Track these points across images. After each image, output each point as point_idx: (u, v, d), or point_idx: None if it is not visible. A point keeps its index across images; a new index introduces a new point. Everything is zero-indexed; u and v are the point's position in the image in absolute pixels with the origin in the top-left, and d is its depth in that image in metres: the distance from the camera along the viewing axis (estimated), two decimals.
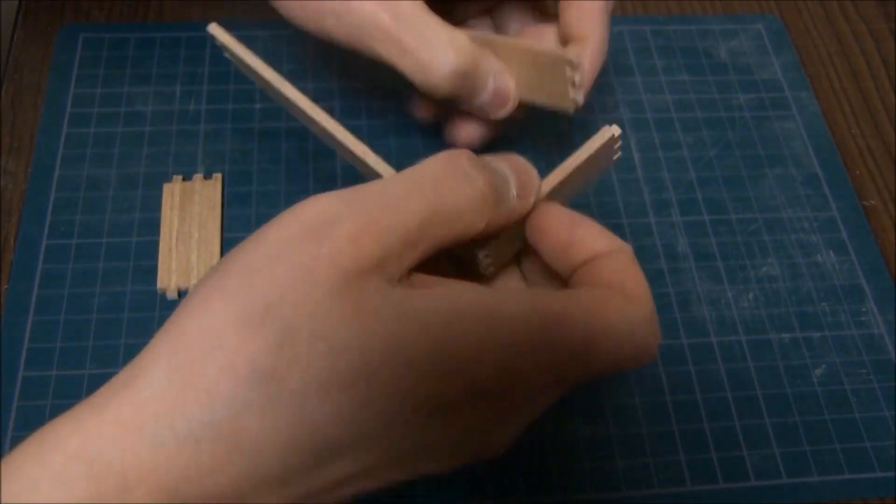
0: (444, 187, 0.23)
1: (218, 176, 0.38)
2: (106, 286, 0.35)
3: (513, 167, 0.25)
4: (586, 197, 0.39)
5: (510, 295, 0.24)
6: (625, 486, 0.32)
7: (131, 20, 0.44)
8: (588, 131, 0.42)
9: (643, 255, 0.38)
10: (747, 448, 0.34)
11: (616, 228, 0.38)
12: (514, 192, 0.25)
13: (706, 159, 0.41)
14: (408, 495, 0.31)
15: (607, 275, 0.25)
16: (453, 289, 0.23)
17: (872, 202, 0.41)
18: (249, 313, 0.20)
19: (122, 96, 0.41)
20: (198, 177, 0.38)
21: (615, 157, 0.29)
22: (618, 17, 0.46)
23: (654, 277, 0.37)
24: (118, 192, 0.38)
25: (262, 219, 0.37)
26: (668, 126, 0.42)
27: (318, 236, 0.21)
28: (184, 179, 0.38)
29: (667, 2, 0.47)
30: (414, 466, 0.23)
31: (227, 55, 0.32)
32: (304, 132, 0.40)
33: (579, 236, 0.25)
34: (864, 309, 0.37)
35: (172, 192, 0.37)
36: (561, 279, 0.26)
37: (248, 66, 0.31)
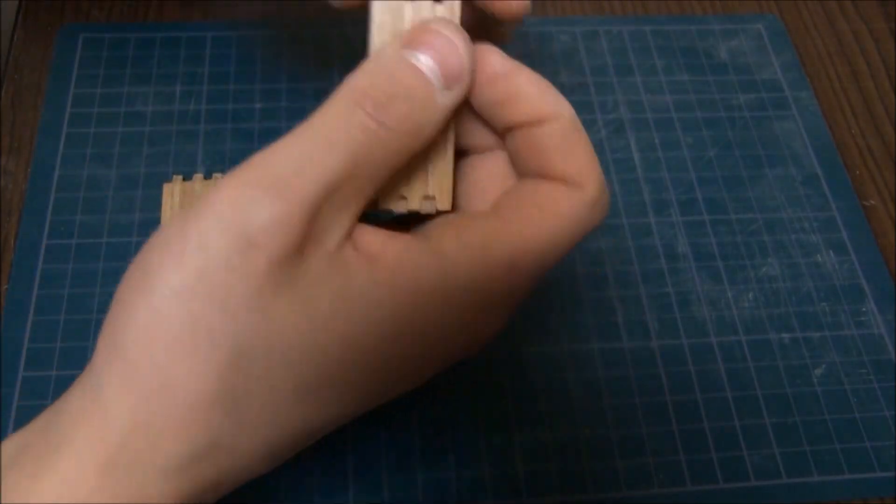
0: (355, 142, 0.20)
1: (218, 176, 0.38)
2: (106, 286, 0.35)
3: (436, 53, 0.21)
4: None
5: (456, 254, 0.21)
6: (625, 486, 0.32)
7: (131, 20, 0.43)
8: (588, 131, 0.42)
9: (643, 255, 0.38)
10: (747, 448, 0.34)
11: (616, 228, 0.39)
12: (439, 89, 0.21)
13: (706, 159, 0.41)
14: (407, 495, 0.31)
15: (547, 153, 0.22)
16: (400, 262, 0.21)
17: (872, 202, 0.41)
18: (194, 339, 0.19)
19: (122, 96, 0.41)
20: (198, 177, 0.38)
21: None
22: (618, 17, 0.46)
23: (654, 277, 0.37)
24: (118, 192, 0.38)
25: None
26: (668, 126, 0.42)
27: (240, 235, 0.19)
28: (184, 179, 0.38)
29: (667, 2, 0.47)
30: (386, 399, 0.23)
31: None
32: None
33: (516, 89, 0.22)
34: (864, 309, 0.37)
35: (172, 192, 0.37)
36: (495, 131, 0.24)
37: None
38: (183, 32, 0.43)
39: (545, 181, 0.22)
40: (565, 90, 0.43)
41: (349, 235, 0.21)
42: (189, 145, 0.39)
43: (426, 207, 0.23)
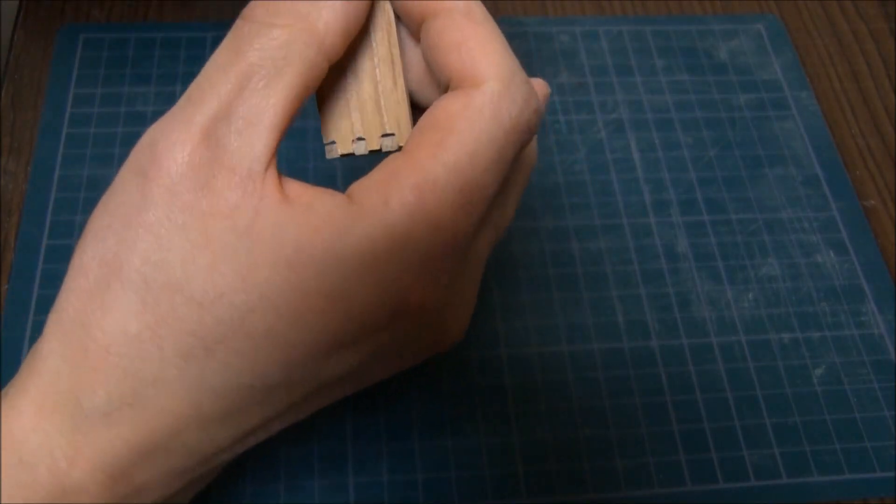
0: (241, 54, 0.19)
1: None
2: None
3: None
4: (587, 197, 0.39)
5: (361, 197, 0.19)
6: (625, 486, 0.32)
7: (131, 20, 0.43)
8: (587, 132, 0.42)
9: (643, 255, 0.38)
10: (747, 448, 0.34)
11: (616, 228, 0.39)
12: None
13: (706, 159, 0.41)
14: (407, 495, 0.31)
15: (441, 53, 0.20)
16: (312, 205, 0.19)
17: (872, 202, 0.41)
18: (104, 277, 0.19)
19: (123, 96, 0.41)
20: None
21: None
22: (618, 17, 0.46)
23: (654, 277, 0.37)
24: None
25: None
26: (668, 126, 0.42)
27: (141, 167, 0.19)
28: None
29: (667, 2, 0.47)
30: (347, 387, 0.22)
31: None
32: (304, 132, 0.40)
33: None
34: (864, 309, 0.37)
35: None
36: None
37: None
38: (183, 32, 0.43)
39: (442, 99, 0.20)
40: (565, 90, 0.43)
41: (271, 165, 0.19)
42: None
43: (387, 145, 0.22)
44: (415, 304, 0.20)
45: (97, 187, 0.38)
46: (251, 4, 0.20)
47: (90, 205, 0.37)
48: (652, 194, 0.40)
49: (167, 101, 0.41)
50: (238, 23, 0.20)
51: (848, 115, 0.44)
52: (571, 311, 0.36)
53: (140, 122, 0.40)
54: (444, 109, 0.20)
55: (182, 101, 0.20)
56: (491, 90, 0.19)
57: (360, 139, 0.22)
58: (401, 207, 0.19)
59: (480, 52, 0.20)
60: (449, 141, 0.19)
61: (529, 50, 0.44)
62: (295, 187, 0.20)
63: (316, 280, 0.19)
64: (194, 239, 0.19)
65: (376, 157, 0.22)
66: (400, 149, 0.22)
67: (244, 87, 0.19)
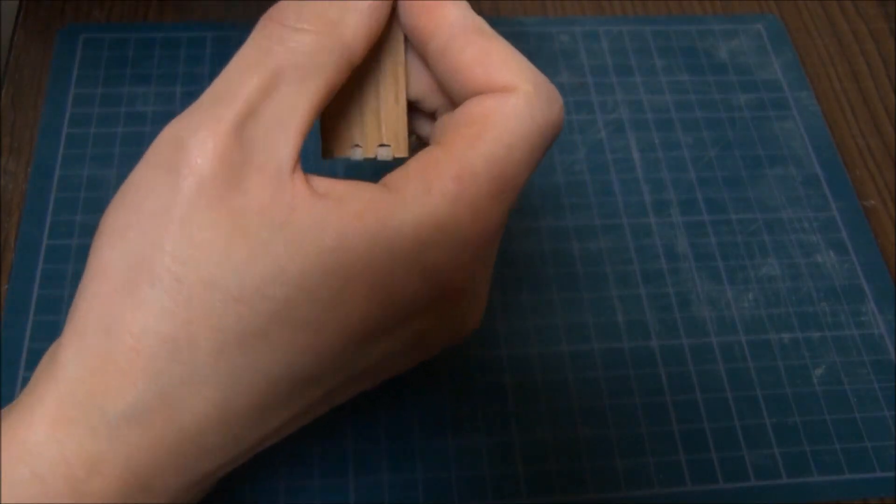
0: (272, 54, 0.20)
1: None
2: None
3: None
4: (587, 197, 0.39)
5: (400, 185, 0.20)
6: (625, 486, 0.32)
7: (131, 20, 0.44)
8: (587, 132, 0.42)
9: (643, 255, 0.38)
10: (747, 448, 0.34)
11: (616, 228, 0.39)
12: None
13: (706, 159, 0.41)
14: (407, 495, 0.31)
15: (464, 69, 0.21)
16: (348, 194, 0.20)
17: (872, 202, 0.41)
18: (131, 279, 0.18)
19: (123, 96, 0.41)
20: None
21: None
22: (618, 17, 0.46)
23: (654, 277, 0.37)
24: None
25: None
26: (668, 126, 0.42)
27: (169, 164, 0.19)
28: None
29: (667, 2, 0.47)
30: (374, 378, 0.22)
31: None
32: None
33: (475, 50, 0.21)
34: (864, 309, 0.37)
35: None
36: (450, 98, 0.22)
37: None
38: (183, 32, 0.43)
39: (475, 98, 0.21)
40: (565, 90, 0.43)
41: (297, 165, 0.20)
42: None
43: (382, 154, 0.23)
44: (452, 290, 0.21)
45: (97, 187, 0.38)
46: (280, 6, 0.20)
47: (90, 205, 0.37)
48: (652, 194, 0.40)
49: (167, 101, 0.41)
50: (266, 23, 0.20)
51: (848, 115, 0.44)
52: (571, 311, 0.36)
53: (140, 121, 0.40)
54: (479, 106, 0.21)
55: (207, 98, 0.20)
56: (525, 92, 0.21)
57: (357, 146, 0.23)
58: (442, 195, 0.20)
59: (505, 63, 0.21)
60: (487, 134, 0.20)
61: (529, 50, 0.44)
62: (323, 183, 0.20)
63: (359, 267, 0.19)
64: (229, 234, 0.18)
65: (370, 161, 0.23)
66: (395, 160, 0.22)
67: (273, 88, 0.19)
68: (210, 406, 0.19)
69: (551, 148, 0.41)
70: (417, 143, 0.25)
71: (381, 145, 0.23)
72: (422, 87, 0.23)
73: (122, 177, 0.38)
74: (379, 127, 0.23)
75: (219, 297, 0.18)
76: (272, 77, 0.19)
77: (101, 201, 0.37)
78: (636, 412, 0.34)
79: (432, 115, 0.24)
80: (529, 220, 0.39)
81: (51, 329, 0.34)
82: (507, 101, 0.20)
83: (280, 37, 0.20)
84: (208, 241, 0.18)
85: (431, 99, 0.24)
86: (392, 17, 0.22)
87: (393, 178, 0.21)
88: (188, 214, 0.18)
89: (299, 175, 0.19)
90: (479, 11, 0.47)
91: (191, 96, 0.41)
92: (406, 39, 0.23)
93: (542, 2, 0.46)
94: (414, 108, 0.24)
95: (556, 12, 0.46)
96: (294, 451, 0.32)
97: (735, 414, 0.34)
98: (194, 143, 0.19)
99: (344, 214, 0.19)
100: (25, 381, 0.33)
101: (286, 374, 0.20)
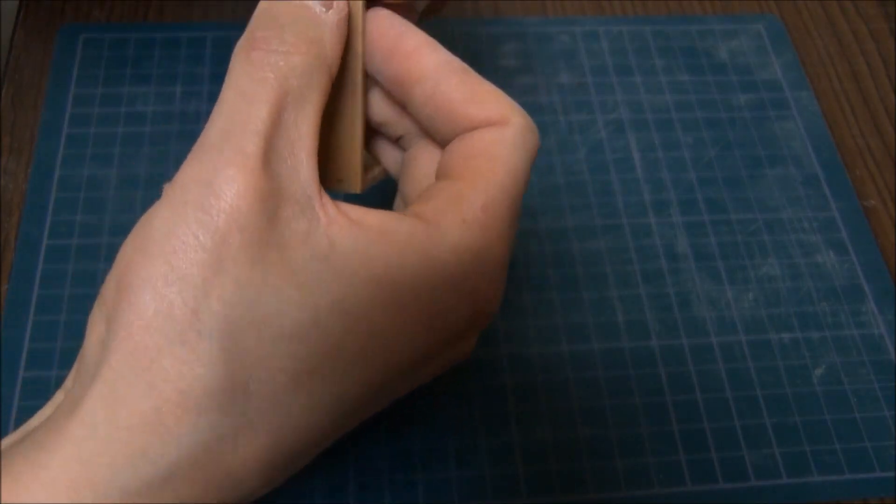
0: (267, 82, 0.20)
1: None
2: None
3: None
4: (587, 197, 0.39)
5: (434, 215, 0.21)
6: (625, 486, 0.32)
7: (131, 20, 0.44)
8: (587, 132, 0.42)
9: (643, 254, 0.38)
10: (747, 448, 0.34)
11: (616, 228, 0.39)
12: (319, 9, 0.21)
13: (706, 159, 0.41)
14: (407, 495, 0.31)
15: (456, 107, 0.22)
16: (385, 224, 0.20)
17: (872, 202, 0.41)
18: (174, 329, 0.18)
19: (123, 96, 0.41)
20: None
21: None
22: (618, 17, 0.46)
23: (654, 277, 0.37)
24: (118, 193, 0.38)
25: None
26: (668, 126, 0.42)
27: (203, 207, 0.18)
28: None
29: (667, 2, 0.47)
30: (391, 397, 0.23)
31: None
32: None
33: (405, 48, 0.22)
34: (864, 309, 0.37)
35: None
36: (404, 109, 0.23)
37: None
38: (183, 32, 0.43)
39: (474, 132, 0.22)
40: (565, 90, 0.43)
41: (321, 190, 0.20)
42: (189, 146, 0.39)
43: (339, 188, 0.23)
44: (487, 312, 0.22)
45: (97, 187, 0.38)
46: (257, 32, 0.21)
47: (90, 205, 0.37)
48: (652, 194, 0.40)
49: (167, 101, 0.41)
50: (249, 52, 0.20)
51: (848, 115, 0.44)
52: (571, 311, 0.36)
53: (140, 122, 0.40)
54: (481, 140, 0.22)
55: (215, 137, 0.19)
56: (517, 123, 0.22)
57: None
58: (476, 224, 0.21)
59: (495, 99, 0.22)
60: (497, 167, 0.22)
61: (529, 50, 0.44)
62: (352, 210, 0.20)
63: (409, 296, 0.20)
64: (276, 272, 0.18)
65: None
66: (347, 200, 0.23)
67: (280, 116, 0.19)
68: (259, 452, 0.18)
69: (551, 148, 0.41)
70: (382, 172, 0.26)
71: (338, 180, 0.23)
72: (385, 114, 0.24)
73: (122, 177, 0.38)
74: (336, 162, 0.23)
75: (272, 337, 0.18)
76: (277, 106, 0.19)
77: (101, 201, 0.38)
78: (636, 412, 0.34)
79: (396, 141, 0.25)
80: (529, 220, 0.39)
81: (51, 329, 0.34)
82: (505, 134, 0.22)
83: (271, 64, 0.20)
84: (255, 280, 0.18)
85: (396, 126, 0.24)
86: (347, 54, 0.22)
87: (423, 210, 0.21)
88: (230, 256, 0.18)
89: (328, 200, 0.20)
90: (479, 11, 0.47)
91: (191, 96, 0.41)
92: (366, 75, 0.23)
93: (542, 2, 0.46)
94: (377, 133, 0.25)
95: (556, 12, 0.46)
96: None
97: (735, 414, 0.34)
98: (224, 181, 0.18)
99: (389, 245, 0.19)
100: (25, 381, 0.33)
101: (336, 409, 0.19)
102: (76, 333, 0.34)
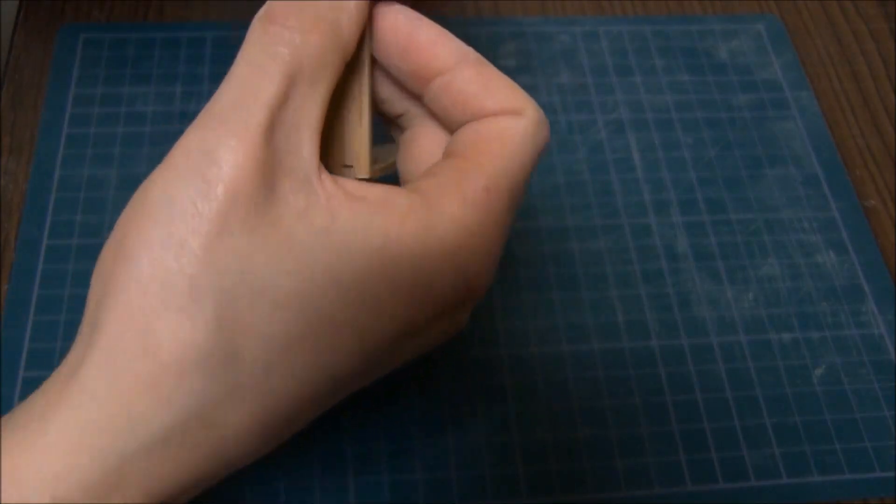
0: (280, 57, 0.20)
1: None
2: None
3: None
4: (587, 197, 0.39)
5: (436, 190, 0.21)
6: (625, 486, 0.32)
7: (131, 20, 0.44)
8: (587, 132, 0.42)
9: (643, 255, 0.38)
10: (747, 448, 0.34)
11: (616, 228, 0.39)
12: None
13: (706, 159, 0.41)
14: (407, 495, 0.31)
15: (473, 98, 0.22)
16: (385, 198, 0.20)
17: (872, 202, 0.41)
18: (170, 294, 0.18)
19: (123, 96, 0.41)
20: None
21: None
22: (618, 17, 0.46)
23: (654, 277, 0.37)
24: (118, 193, 0.38)
25: None
26: (668, 126, 0.42)
27: (203, 175, 0.18)
28: None
29: (667, 2, 0.47)
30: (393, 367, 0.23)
31: None
32: None
33: (419, 41, 0.22)
34: (864, 309, 0.37)
35: None
36: (411, 93, 0.24)
37: None
38: (183, 32, 0.43)
39: (488, 118, 0.22)
40: (565, 90, 0.43)
41: (321, 167, 0.20)
42: None
43: (347, 174, 0.23)
44: (478, 288, 0.22)
45: (97, 187, 0.38)
46: (274, 7, 0.21)
47: (90, 205, 0.37)
48: (652, 194, 0.40)
49: (167, 101, 0.41)
50: (266, 25, 0.20)
51: (848, 115, 0.44)
52: (571, 311, 0.36)
53: (140, 121, 0.40)
54: (496, 126, 0.22)
55: (224, 105, 0.19)
56: (531, 116, 0.22)
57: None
58: (475, 205, 0.21)
59: (511, 90, 0.23)
60: (506, 152, 0.22)
61: (529, 50, 0.44)
62: (355, 185, 0.20)
63: (405, 270, 0.20)
64: (273, 242, 0.18)
65: None
66: (358, 179, 0.23)
67: (289, 92, 0.20)
68: (249, 420, 0.19)
69: (551, 148, 0.41)
70: (395, 147, 0.26)
71: (345, 166, 0.23)
72: (385, 92, 0.25)
73: (122, 177, 0.38)
74: (343, 148, 0.23)
75: (266, 306, 0.18)
76: (287, 81, 0.19)
77: (102, 201, 0.38)
78: (636, 412, 0.34)
79: (395, 119, 0.25)
80: (529, 220, 0.39)
81: (51, 329, 0.34)
82: (518, 123, 0.22)
83: (286, 39, 0.20)
84: (253, 250, 0.18)
85: (396, 104, 0.25)
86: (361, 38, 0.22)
87: (426, 186, 0.22)
88: (228, 225, 0.18)
89: (327, 177, 0.20)
90: (479, 11, 0.47)
91: (191, 96, 0.41)
92: (373, 60, 0.23)
93: (542, 2, 0.46)
94: (382, 114, 0.25)
95: (556, 12, 0.46)
96: (294, 452, 0.32)
97: (735, 414, 0.34)
98: (226, 151, 0.18)
99: (388, 218, 0.20)
100: (25, 381, 0.33)
101: (327, 379, 0.20)
102: (76, 333, 0.34)
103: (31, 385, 0.33)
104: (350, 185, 0.20)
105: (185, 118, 0.40)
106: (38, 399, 0.19)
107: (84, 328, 0.20)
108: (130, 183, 0.38)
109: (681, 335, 0.36)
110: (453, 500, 0.32)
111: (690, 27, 0.46)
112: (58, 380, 0.19)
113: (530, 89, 0.42)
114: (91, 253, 0.36)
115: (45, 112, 0.40)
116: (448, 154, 0.23)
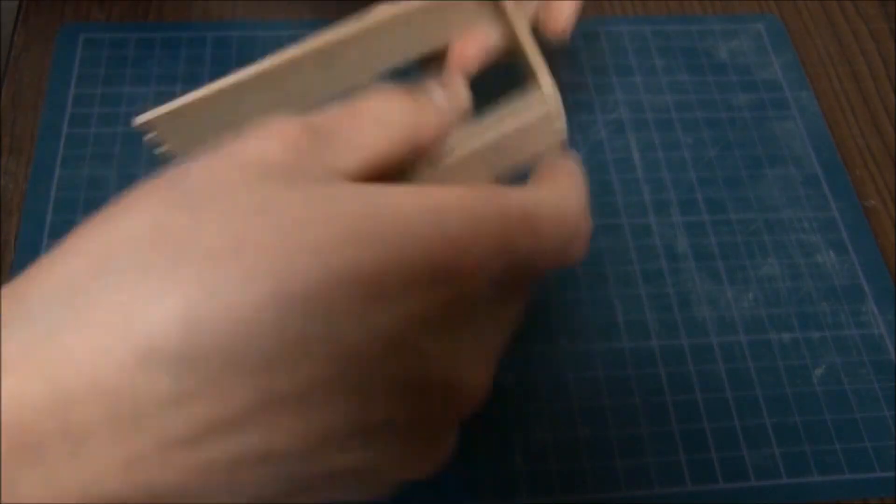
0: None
1: None
2: None
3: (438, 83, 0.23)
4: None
5: (465, 190, 0.20)
6: (625, 486, 0.32)
7: (131, 20, 0.44)
8: (587, 132, 0.42)
9: (643, 255, 0.38)
10: (747, 448, 0.34)
11: (616, 228, 0.39)
12: (439, 98, 0.22)
13: (706, 159, 0.41)
14: (407, 495, 0.31)
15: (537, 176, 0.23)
16: (393, 188, 0.19)
17: (872, 202, 0.41)
18: (168, 252, 0.18)
19: (123, 96, 0.41)
20: None
21: (557, 137, 0.25)
22: (618, 17, 0.46)
23: (654, 277, 0.37)
24: (118, 193, 0.38)
25: None
26: (668, 126, 0.42)
27: (231, 147, 0.19)
28: None
29: (667, 2, 0.47)
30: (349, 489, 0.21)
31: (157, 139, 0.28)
32: None
33: None
34: (864, 309, 0.37)
35: None
36: None
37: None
38: (183, 32, 0.43)
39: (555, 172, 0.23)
40: (565, 90, 0.43)
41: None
42: None
43: None
44: (453, 274, 0.19)
45: (97, 187, 0.38)
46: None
47: (90, 205, 0.37)
48: (652, 194, 0.40)
49: (167, 101, 0.41)
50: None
51: (848, 115, 0.44)
52: (572, 311, 0.36)
53: None
54: (546, 188, 0.23)
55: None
56: (574, 197, 0.23)
57: None
58: (511, 214, 0.20)
59: (570, 180, 0.23)
60: (561, 189, 0.22)
61: None
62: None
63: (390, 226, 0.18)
64: (302, 201, 0.18)
65: None
66: None
67: (359, 119, 0.20)
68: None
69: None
70: None
71: None
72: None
73: (122, 177, 0.38)
74: None
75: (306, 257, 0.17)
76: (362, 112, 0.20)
77: (101, 201, 0.37)
78: (636, 412, 0.34)
79: None
80: None
81: None
82: (555, 192, 0.22)
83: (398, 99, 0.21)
84: (290, 206, 0.18)
85: None
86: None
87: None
88: (245, 198, 0.18)
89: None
90: None
91: None
92: None
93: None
94: None
95: None
96: None
97: (735, 414, 0.34)
98: (259, 131, 0.19)
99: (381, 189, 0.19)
100: None
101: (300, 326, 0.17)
102: None
103: None
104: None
105: None
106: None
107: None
108: (130, 183, 0.38)
109: (681, 335, 0.36)
110: (453, 500, 0.32)
111: (690, 27, 0.46)
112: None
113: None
114: None
115: (45, 112, 0.40)
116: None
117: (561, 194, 0.22)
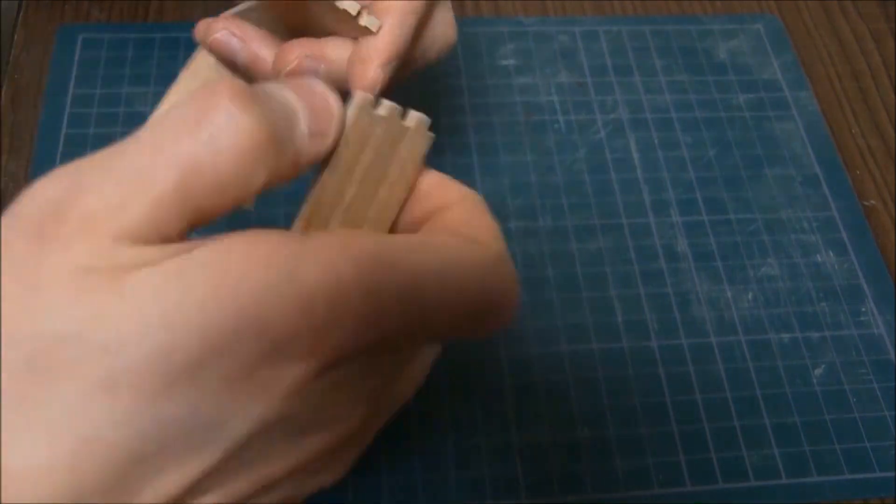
0: (197, 138, 0.18)
1: None
2: None
3: (303, 95, 0.19)
4: (587, 197, 0.39)
5: (313, 239, 0.18)
6: (625, 486, 0.32)
7: (131, 20, 0.43)
8: (588, 131, 0.42)
9: (643, 255, 0.38)
10: (747, 448, 0.34)
11: (616, 228, 0.39)
12: (303, 127, 0.19)
13: (706, 159, 0.41)
14: (407, 495, 0.31)
15: (452, 223, 0.21)
16: (241, 241, 0.17)
17: (872, 202, 0.41)
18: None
19: (122, 97, 0.41)
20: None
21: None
22: (618, 17, 0.46)
23: (654, 277, 0.37)
24: None
25: (262, 220, 0.37)
26: (667, 126, 0.42)
27: (43, 233, 0.17)
28: None
29: (667, 2, 0.47)
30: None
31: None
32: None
33: (423, 189, 0.22)
34: (863, 309, 0.37)
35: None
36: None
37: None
38: (183, 32, 0.43)
39: (450, 234, 0.21)
40: (565, 90, 0.43)
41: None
42: None
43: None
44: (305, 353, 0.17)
45: None
46: (219, 93, 0.19)
47: None
48: (652, 194, 0.40)
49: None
50: (197, 109, 0.19)
51: (848, 115, 0.44)
52: (571, 311, 0.36)
53: (139, 122, 0.40)
54: (454, 238, 0.21)
55: (100, 183, 0.19)
56: (496, 252, 0.21)
57: None
58: (356, 258, 0.18)
59: (488, 229, 0.21)
60: (452, 246, 0.20)
61: (529, 50, 0.44)
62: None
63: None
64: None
65: None
66: None
67: (182, 197, 0.18)
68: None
69: (551, 148, 0.41)
70: None
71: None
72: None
73: None
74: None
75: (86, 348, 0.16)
76: (188, 172, 0.18)
77: None
78: (636, 412, 0.34)
79: None
80: (529, 220, 0.39)
81: None
82: (474, 248, 0.21)
83: (211, 130, 0.19)
84: (67, 303, 0.17)
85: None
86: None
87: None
88: (56, 285, 0.17)
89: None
90: (479, 11, 0.47)
91: None
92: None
93: (542, 2, 0.46)
94: None
95: (556, 12, 0.46)
96: None
97: (735, 414, 0.34)
98: (83, 242, 0.18)
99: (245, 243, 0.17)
100: None
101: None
102: None
103: None
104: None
105: None
106: None
107: None
108: None
109: (680, 335, 0.36)
110: (452, 501, 0.32)
111: (690, 27, 0.46)
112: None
113: (530, 89, 0.43)
114: None
115: (45, 112, 0.40)
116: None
117: (471, 258, 0.19)
